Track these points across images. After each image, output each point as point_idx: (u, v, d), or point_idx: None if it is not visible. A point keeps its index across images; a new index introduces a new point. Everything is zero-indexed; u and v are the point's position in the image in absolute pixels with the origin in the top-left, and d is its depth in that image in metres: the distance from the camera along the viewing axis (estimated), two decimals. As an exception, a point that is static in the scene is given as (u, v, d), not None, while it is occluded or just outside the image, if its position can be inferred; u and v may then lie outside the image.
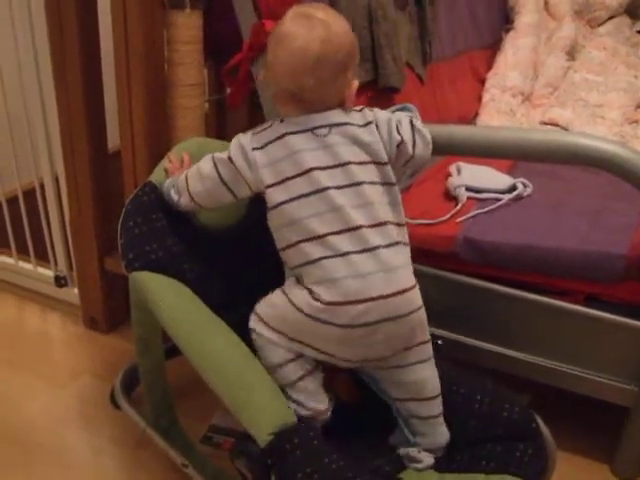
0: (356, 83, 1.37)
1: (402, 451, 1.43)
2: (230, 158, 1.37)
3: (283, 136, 1.33)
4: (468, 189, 1.87)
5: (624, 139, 2.26)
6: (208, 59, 2.23)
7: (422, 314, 1.34)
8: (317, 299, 1.27)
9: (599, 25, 3.17)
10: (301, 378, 1.36)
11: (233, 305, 1.48)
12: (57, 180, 2.18)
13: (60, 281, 2.33)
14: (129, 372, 1.84)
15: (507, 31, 2.84)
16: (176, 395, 1.71)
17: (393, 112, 1.45)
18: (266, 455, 1.21)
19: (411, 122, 1.41)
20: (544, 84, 2.64)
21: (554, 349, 1.71)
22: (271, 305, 1.38)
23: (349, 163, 1.31)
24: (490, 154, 1.52)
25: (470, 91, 2.52)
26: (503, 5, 2.97)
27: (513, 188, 1.86)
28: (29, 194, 2.27)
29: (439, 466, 1.41)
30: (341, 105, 1.36)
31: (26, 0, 1.96)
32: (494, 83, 2.57)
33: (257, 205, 1.56)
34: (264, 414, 1.25)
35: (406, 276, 1.31)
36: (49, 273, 2.35)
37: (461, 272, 1.73)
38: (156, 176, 1.49)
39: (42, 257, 2.36)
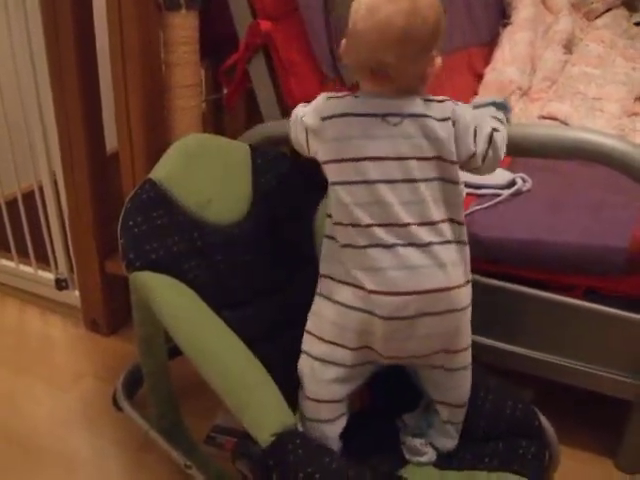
0: (439, 60, 1.28)
1: (409, 441, 1.42)
2: (302, 118, 1.36)
3: (352, 115, 1.28)
4: (467, 185, 1.86)
5: (623, 132, 2.25)
6: (205, 59, 2.23)
7: (465, 316, 1.32)
8: (360, 287, 1.26)
9: (596, 18, 3.16)
10: (328, 421, 1.37)
11: (234, 305, 1.47)
12: (56, 182, 2.18)
13: (61, 284, 2.33)
14: (131, 374, 1.84)
15: (504, 26, 2.84)
16: (179, 395, 1.70)
17: (478, 106, 1.42)
18: (267, 456, 1.20)
19: (491, 136, 1.32)
20: (542, 78, 2.64)
21: (556, 344, 1.71)
22: (318, 316, 1.37)
23: (410, 158, 1.25)
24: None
25: (468, 87, 2.52)
26: (500, 0, 2.96)
27: (512, 183, 1.86)
28: (28, 197, 2.27)
29: (441, 463, 1.40)
30: (422, 81, 1.29)
31: (22, 3, 1.96)
32: (492, 78, 2.57)
33: (261, 203, 1.56)
34: (265, 415, 1.25)
35: (455, 274, 1.28)
36: (50, 276, 2.35)
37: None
38: (156, 173, 1.47)
39: (42, 260, 2.36)
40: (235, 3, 1.73)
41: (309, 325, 1.38)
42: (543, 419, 1.40)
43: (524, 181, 1.87)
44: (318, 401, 1.36)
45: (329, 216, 1.36)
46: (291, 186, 1.62)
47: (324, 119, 1.30)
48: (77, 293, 2.29)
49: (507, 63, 2.63)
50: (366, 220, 1.25)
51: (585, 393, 1.72)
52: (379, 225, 1.25)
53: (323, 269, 1.37)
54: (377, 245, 1.25)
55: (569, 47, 2.83)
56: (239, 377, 1.28)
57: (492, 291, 1.72)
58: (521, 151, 1.54)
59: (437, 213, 1.27)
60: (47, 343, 2.26)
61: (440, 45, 1.28)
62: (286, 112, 1.75)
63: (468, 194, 1.85)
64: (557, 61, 2.72)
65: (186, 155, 1.51)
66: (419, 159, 1.26)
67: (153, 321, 1.40)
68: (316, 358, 1.35)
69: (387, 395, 1.51)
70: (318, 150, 1.33)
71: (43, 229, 2.28)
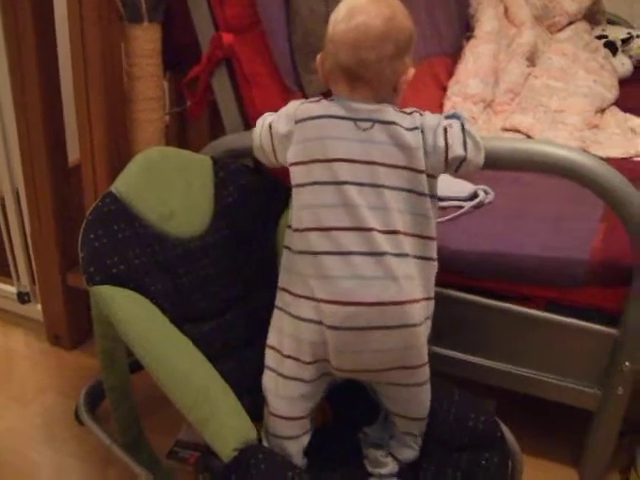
0: (412, 70, 1.33)
1: (370, 453, 1.42)
2: (271, 125, 1.39)
3: (326, 117, 1.30)
4: (430, 197, 1.87)
5: (585, 144, 2.28)
6: (168, 71, 2.23)
7: (419, 332, 1.29)
8: (311, 297, 1.26)
9: (559, 31, 3.20)
10: (292, 437, 1.36)
11: (196, 319, 1.47)
12: (18, 195, 2.16)
13: (23, 297, 2.30)
14: (93, 388, 1.83)
15: (468, 39, 2.86)
16: (143, 410, 1.69)
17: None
18: (230, 471, 1.20)
19: (462, 126, 1.34)
20: (505, 90, 2.66)
21: (518, 355, 1.72)
22: (277, 330, 1.37)
23: (378, 164, 1.27)
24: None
25: (432, 98, 2.53)
26: (464, 13, 2.98)
27: (474, 195, 1.87)
28: (-10, 210, 2.25)
29: (405, 476, 1.40)
30: (394, 91, 1.33)
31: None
32: (455, 91, 2.58)
33: (223, 216, 1.56)
34: (227, 429, 1.24)
35: (409, 288, 1.27)
36: (12, 289, 2.33)
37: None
38: (117, 186, 1.46)
39: (4, 273, 2.34)
40: (197, 15, 1.73)
41: (269, 339, 1.38)
42: (505, 430, 1.41)
43: (486, 193, 1.88)
44: (282, 417, 1.35)
45: (289, 227, 1.36)
46: (253, 199, 1.62)
47: (297, 122, 1.33)
48: (39, 307, 2.26)
49: (470, 75, 2.64)
50: (329, 222, 1.26)
51: (548, 403, 1.73)
52: (340, 229, 1.25)
53: (281, 281, 1.37)
54: (332, 253, 1.25)
55: (532, 60, 2.85)
56: (200, 390, 1.27)
57: (454, 303, 1.73)
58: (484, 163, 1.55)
59: (400, 224, 1.27)
60: (9, 357, 2.24)
61: (411, 56, 1.33)
62: (249, 124, 1.75)
63: (431, 206, 1.86)
64: (520, 73, 2.74)
65: (148, 168, 1.50)
66: (387, 166, 1.27)
67: (114, 335, 1.39)
68: (279, 374, 1.35)
69: (349, 409, 1.50)
70: (288, 154, 1.34)
71: (5, 242, 2.26)
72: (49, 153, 1.98)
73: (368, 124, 1.29)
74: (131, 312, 1.34)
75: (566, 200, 1.85)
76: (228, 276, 1.53)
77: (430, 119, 1.33)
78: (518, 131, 2.43)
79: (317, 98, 1.36)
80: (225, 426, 1.25)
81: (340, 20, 1.30)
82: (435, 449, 1.41)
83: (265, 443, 1.37)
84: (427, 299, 1.32)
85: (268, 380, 1.37)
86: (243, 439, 1.22)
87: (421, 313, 1.29)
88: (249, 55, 1.70)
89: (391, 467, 1.40)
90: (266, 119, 1.43)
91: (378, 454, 1.41)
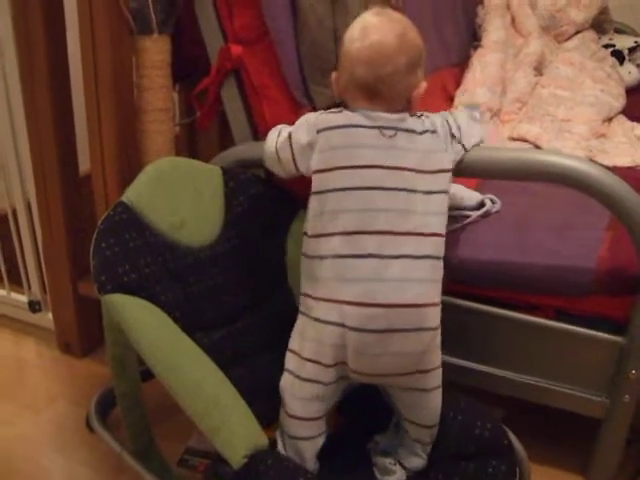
0: (424, 84, 1.42)
1: (379, 461, 1.44)
2: (290, 135, 1.43)
3: (350, 126, 1.36)
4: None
5: (591, 153, 2.28)
6: (178, 82, 2.25)
7: (435, 336, 1.33)
8: (334, 299, 1.29)
9: (566, 40, 3.20)
10: (308, 438, 1.39)
11: (207, 328, 1.48)
12: (29, 205, 2.18)
13: (34, 306, 2.32)
14: (104, 396, 1.84)
15: (475, 48, 2.87)
16: (154, 418, 1.70)
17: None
18: (240, 477, 1.21)
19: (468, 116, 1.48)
20: (512, 100, 2.66)
21: (526, 363, 1.72)
22: (299, 334, 1.39)
23: (405, 169, 1.33)
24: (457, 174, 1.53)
25: (439, 109, 2.53)
26: (471, 23, 3.00)
27: (481, 205, 1.87)
28: (2, 220, 2.27)
29: (412, 483, 1.42)
30: (408, 104, 1.40)
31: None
32: (462, 100, 2.59)
33: (233, 226, 1.57)
34: (237, 436, 1.25)
35: (425, 291, 1.31)
36: (23, 298, 2.34)
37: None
38: (128, 196, 1.48)
39: (16, 282, 2.36)
40: (206, 27, 1.75)
41: (291, 343, 1.40)
42: (513, 437, 1.42)
43: (493, 202, 1.88)
44: (299, 418, 1.37)
45: (305, 234, 1.39)
46: (263, 209, 1.64)
47: (320, 131, 1.37)
48: (50, 315, 2.28)
49: (478, 84, 2.65)
50: (353, 226, 1.30)
51: (556, 411, 1.74)
52: (364, 233, 1.29)
53: (302, 287, 1.39)
54: (355, 256, 1.28)
55: (539, 69, 2.86)
56: (211, 399, 1.28)
57: (463, 312, 1.74)
58: (488, 173, 1.57)
59: (424, 225, 1.32)
60: (20, 365, 2.25)
61: (423, 70, 1.41)
62: (257, 135, 1.77)
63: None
64: (527, 83, 2.74)
65: (158, 178, 1.52)
66: (414, 171, 1.33)
67: (125, 343, 1.40)
68: (297, 376, 1.37)
69: (359, 417, 1.52)
70: (310, 162, 1.38)
71: (16, 251, 2.28)
72: (60, 163, 1.99)
73: (392, 132, 1.35)
74: (142, 320, 1.36)
75: (573, 209, 1.86)
76: (238, 285, 1.55)
77: (436, 117, 1.44)
78: (525, 140, 2.43)
79: (338, 109, 1.40)
80: (235, 434, 1.26)
81: (355, 39, 1.37)
82: (442, 457, 1.42)
83: (280, 446, 1.39)
84: (439, 303, 1.35)
85: (285, 382, 1.39)
86: (253, 446, 1.24)
87: (438, 316, 1.33)
88: (257, 66, 1.72)
89: (399, 475, 1.41)
90: (282, 130, 1.48)
91: (387, 462, 1.42)
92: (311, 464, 1.40)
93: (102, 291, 1.37)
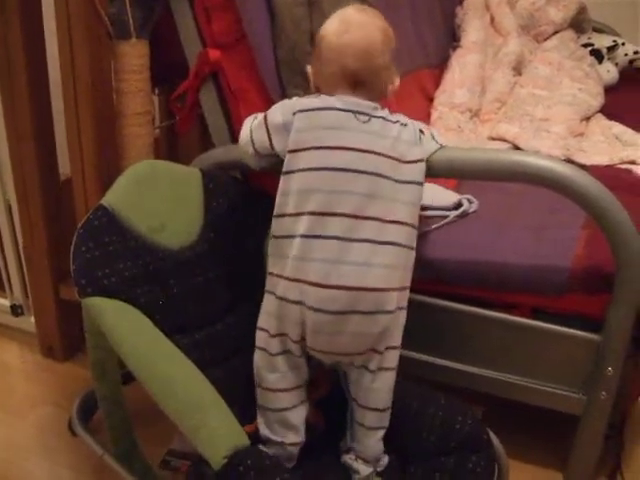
0: (398, 80, 1.48)
1: (343, 459, 1.45)
2: (266, 116, 1.45)
3: (325, 109, 1.39)
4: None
5: (569, 152, 2.29)
6: (158, 86, 2.25)
7: (395, 319, 1.36)
8: (295, 278, 1.32)
9: (545, 40, 3.22)
10: (291, 408, 1.41)
11: (187, 329, 1.49)
12: (10, 209, 2.18)
13: (16, 310, 2.32)
14: (86, 399, 1.85)
15: (454, 49, 2.88)
16: (136, 421, 1.70)
17: None
18: (220, 478, 1.22)
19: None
20: (491, 100, 2.68)
21: (504, 361, 1.74)
22: (266, 312, 1.42)
23: (377, 153, 1.35)
24: (434, 175, 1.55)
25: (419, 110, 2.55)
26: (450, 24, 3.01)
27: (459, 205, 1.88)
28: (-18, 224, 2.27)
29: (392, 479, 1.43)
30: (382, 96, 1.46)
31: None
32: (442, 101, 2.61)
33: (212, 227, 1.58)
34: (217, 437, 1.26)
35: (383, 276, 1.33)
36: (5, 302, 2.35)
37: (410, 289, 1.75)
38: (107, 199, 1.49)
39: (-2, 286, 2.36)
40: (185, 31, 1.75)
41: (259, 322, 1.43)
42: (491, 434, 1.44)
43: (470, 202, 1.89)
44: (278, 390, 1.40)
45: (274, 215, 1.41)
46: (242, 210, 1.65)
47: (296, 112, 1.39)
48: (33, 319, 2.28)
49: (457, 85, 2.67)
50: (319, 208, 1.32)
51: (535, 408, 1.75)
52: (330, 214, 1.31)
53: (269, 266, 1.42)
54: (318, 236, 1.31)
55: (518, 69, 2.87)
56: (191, 400, 1.29)
57: (439, 311, 1.75)
58: (464, 174, 1.59)
59: (393, 212, 1.35)
60: (3, 369, 2.25)
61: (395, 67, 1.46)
62: (236, 138, 1.77)
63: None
64: (506, 83, 2.76)
65: (138, 181, 1.53)
66: (386, 156, 1.36)
67: (106, 346, 1.41)
68: (269, 353, 1.40)
69: (340, 417, 1.52)
70: (287, 141, 1.39)
71: (-3, 255, 2.29)
72: (40, 168, 2.00)
73: (366, 117, 1.38)
74: (122, 323, 1.37)
75: (549, 208, 1.87)
76: (218, 286, 1.56)
77: (404, 117, 1.46)
78: (504, 140, 2.45)
79: (316, 95, 1.44)
80: (215, 434, 1.27)
81: (343, 32, 1.41)
82: (422, 453, 1.43)
83: (263, 429, 1.42)
84: (405, 288, 1.38)
85: (258, 359, 1.42)
86: (233, 446, 1.24)
87: (400, 300, 1.36)
88: (235, 70, 1.73)
89: (363, 471, 1.42)
90: (258, 115, 1.49)
91: (347, 458, 1.44)
92: (302, 433, 1.43)
93: (82, 294, 1.38)
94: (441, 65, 2.80)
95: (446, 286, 1.76)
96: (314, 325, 1.32)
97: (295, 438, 1.42)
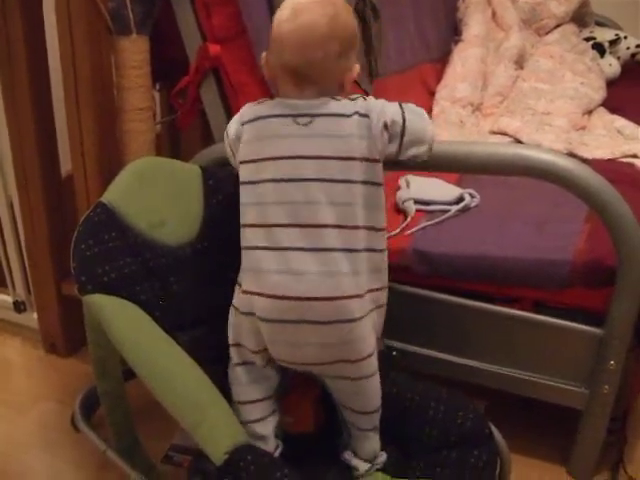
0: (357, 67, 1.34)
1: (342, 456, 1.44)
2: (227, 129, 1.41)
3: (266, 117, 1.32)
4: (417, 202, 1.89)
5: (571, 145, 2.29)
6: (159, 82, 2.25)
7: (357, 326, 1.27)
8: (247, 290, 1.31)
9: (547, 33, 3.22)
10: (259, 420, 1.40)
11: (187, 326, 1.49)
12: (12, 206, 2.18)
13: (19, 306, 2.33)
14: (88, 395, 1.84)
15: (456, 43, 2.88)
16: (138, 417, 1.70)
17: None
18: (222, 473, 1.22)
19: (400, 104, 1.36)
20: (493, 94, 2.68)
21: (506, 355, 1.74)
22: (229, 322, 1.41)
23: (324, 157, 1.26)
24: (435, 169, 1.55)
25: (421, 104, 2.52)
26: (452, 18, 3.01)
27: (460, 199, 1.89)
28: (-16, 221, 2.27)
29: (394, 473, 1.42)
30: (340, 88, 1.33)
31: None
32: (444, 95, 2.61)
33: (212, 223, 1.58)
34: (218, 433, 1.26)
35: (349, 283, 1.25)
36: (8, 299, 2.35)
37: (413, 284, 1.75)
38: (107, 196, 1.47)
39: (0, 283, 2.36)
40: (185, 27, 1.75)
41: (229, 334, 1.42)
42: (493, 428, 1.43)
43: (472, 197, 1.90)
44: (244, 403, 1.39)
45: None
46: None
47: (244, 124, 1.35)
48: (35, 315, 2.29)
49: (459, 79, 2.67)
50: (272, 219, 1.27)
51: (537, 402, 1.75)
52: (283, 225, 1.26)
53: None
54: (267, 248, 1.27)
55: (520, 63, 2.87)
56: (191, 396, 1.29)
57: (442, 305, 1.75)
58: (465, 168, 1.58)
59: (353, 217, 1.27)
60: (5, 365, 2.26)
61: (356, 53, 1.34)
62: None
63: (418, 210, 1.88)
64: (508, 77, 2.76)
65: (138, 178, 1.52)
66: (336, 159, 1.27)
67: (106, 343, 1.40)
68: (235, 363, 1.40)
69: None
70: (236, 153, 1.38)
71: (0, 252, 2.28)
72: (42, 164, 2.00)
73: (307, 119, 1.29)
74: (122, 320, 1.36)
75: (551, 202, 1.87)
76: (218, 282, 1.55)
77: (375, 103, 1.32)
78: (506, 134, 2.45)
79: (262, 100, 1.37)
80: (216, 429, 1.26)
81: (285, 20, 1.29)
82: (424, 447, 1.43)
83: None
84: (376, 290, 1.32)
85: (229, 371, 1.42)
86: (233, 441, 1.24)
87: (363, 307, 1.28)
88: (236, 65, 1.73)
89: (362, 468, 1.41)
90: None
91: (345, 455, 1.43)
92: (271, 443, 1.40)
93: (83, 291, 1.37)
94: (443, 59, 2.80)
95: (448, 280, 1.76)
96: (268, 335, 1.30)
97: (266, 447, 1.39)
